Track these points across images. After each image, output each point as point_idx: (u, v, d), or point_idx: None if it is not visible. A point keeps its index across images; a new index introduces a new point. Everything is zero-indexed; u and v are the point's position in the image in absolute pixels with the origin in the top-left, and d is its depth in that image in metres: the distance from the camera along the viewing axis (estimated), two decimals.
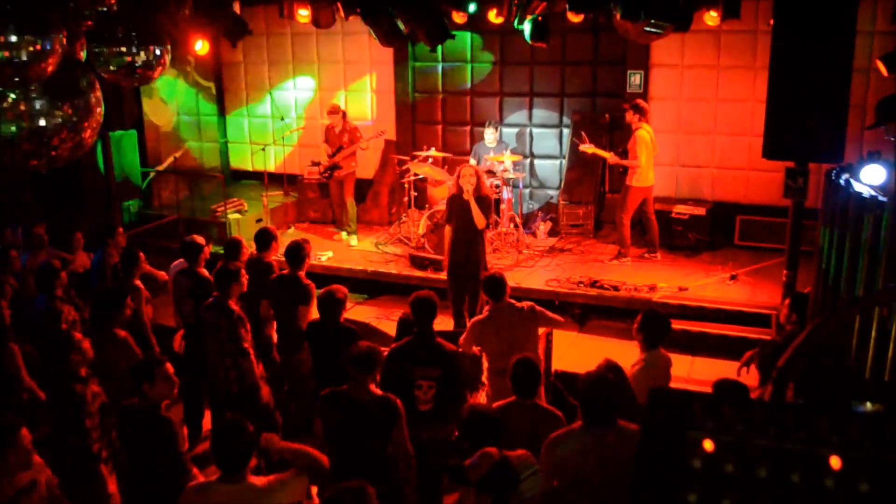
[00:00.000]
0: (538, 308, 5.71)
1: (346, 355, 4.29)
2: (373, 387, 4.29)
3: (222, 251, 6.94)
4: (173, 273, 6.69)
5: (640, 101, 8.96)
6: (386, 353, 5.09)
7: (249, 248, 6.72)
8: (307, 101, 11.99)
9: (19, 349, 5.58)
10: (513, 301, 5.68)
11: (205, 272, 6.48)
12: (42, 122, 6.31)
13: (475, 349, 5.97)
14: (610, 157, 9.09)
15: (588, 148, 9.12)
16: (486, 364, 6.24)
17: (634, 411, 4.00)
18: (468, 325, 5.90)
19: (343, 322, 5.47)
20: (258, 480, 3.57)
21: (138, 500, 4.48)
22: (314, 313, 5.87)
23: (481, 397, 5.98)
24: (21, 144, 6.31)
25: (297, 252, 6.15)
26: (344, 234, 10.22)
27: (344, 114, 10.13)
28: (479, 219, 7.16)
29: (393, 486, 4.23)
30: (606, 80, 10.42)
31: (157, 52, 7.21)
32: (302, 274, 6.12)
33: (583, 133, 9.37)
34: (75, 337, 5.24)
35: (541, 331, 5.88)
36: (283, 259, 6.27)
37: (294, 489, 3.59)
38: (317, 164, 11.02)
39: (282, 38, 11.88)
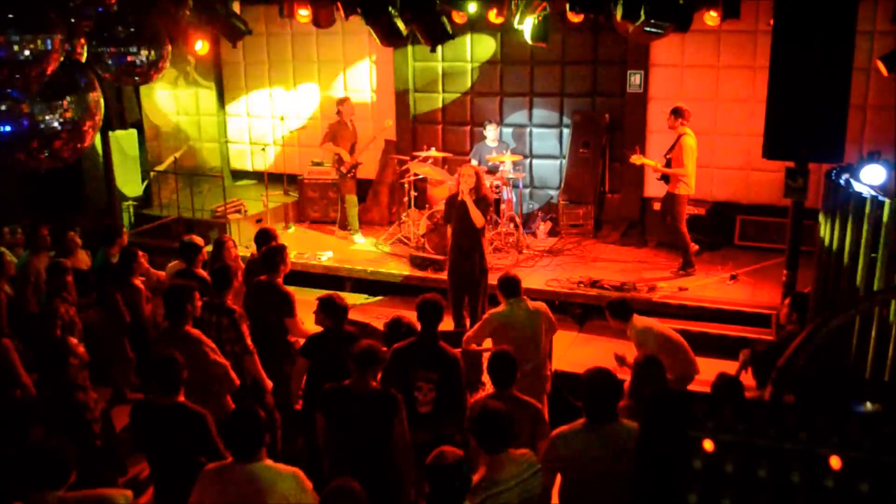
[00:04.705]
0: (549, 312, 5.81)
1: (349, 352, 4.37)
2: (373, 382, 4.39)
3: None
4: (170, 273, 6.69)
5: (681, 105, 8.63)
6: (388, 353, 5.10)
7: (249, 248, 6.72)
8: (307, 100, 11.98)
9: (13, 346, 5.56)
10: (526, 299, 5.74)
11: (202, 273, 6.48)
12: (42, 123, 6.30)
13: (474, 346, 5.97)
14: (654, 165, 8.76)
15: (637, 159, 8.79)
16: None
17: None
18: (483, 317, 5.90)
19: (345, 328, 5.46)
20: (273, 463, 3.74)
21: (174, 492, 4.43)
22: (306, 322, 5.84)
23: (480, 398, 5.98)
24: (21, 144, 6.31)
25: (273, 258, 6.06)
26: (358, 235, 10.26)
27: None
28: (476, 218, 7.15)
29: (392, 479, 4.28)
30: (606, 80, 10.41)
31: (157, 52, 7.21)
32: (280, 281, 6.05)
33: (637, 146, 9.08)
34: (71, 342, 5.23)
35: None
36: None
37: (303, 484, 3.70)
38: (318, 164, 11.01)
39: (282, 37, 11.88)
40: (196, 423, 4.23)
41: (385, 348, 4.83)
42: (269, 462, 3.72)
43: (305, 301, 8.38)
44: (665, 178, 8.73)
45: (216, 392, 5.04)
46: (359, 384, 4.35)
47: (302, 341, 6.24)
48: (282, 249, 6.18)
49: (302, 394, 5.43)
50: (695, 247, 8.96)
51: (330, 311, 5.34)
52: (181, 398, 4.34)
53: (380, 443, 4.28)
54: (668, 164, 8.62)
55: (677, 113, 8.58)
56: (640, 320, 5.76)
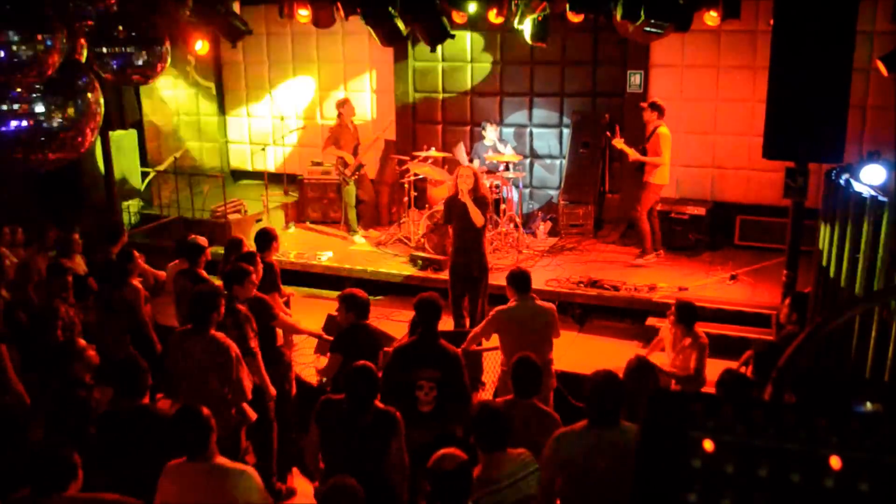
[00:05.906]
0: (556, 314, 5.84)
1: (349, 372, 4.27)
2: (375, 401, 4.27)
3: (222, 251, 6.93)
4: (172, 273, 6.68)
5: (658, 101, 8.86)
6: (389, 353, 5.10)
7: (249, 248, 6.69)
8: (307, 100, 11.98)
9: (7, 352, 5.51)
10: (535, 297, 5.76)
11: (204, 273, 6.47)
12: (42, 122, 6.30)
13: (474, 347, 5.97)
14: (632, 152, 8.90)
15: (618, 143, 8.97)
16: (491, 363, 6.24)
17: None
18: (489, 313, 5.90)
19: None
20: (225, 461, 3.75)
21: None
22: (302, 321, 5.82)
23: (481, 397, 5.98)
24: (21, 144, 6.31)
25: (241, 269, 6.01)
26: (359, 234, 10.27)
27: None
28: (476, 217, 7.15)
29: (386, 495, 4.23)
30: (606, 80, 10.41)
31: (158, 52, 7.21)
32: (252, 293, 5.97)
33: (617, 126, 9.25)
34: (80, 344, 5.21)
35: None
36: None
37: (254, 482, 3.70)
38: (318, 164, 11.00)
39: (282, 37, 11.88)
40: (162, 426, 4.14)
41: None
42: (220, 460, 3.73)
43: (305, 301, 8.43)
44: (640, 169, 8.90)
45: (227, 402, 5.00)
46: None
47: (298, 339, 6.25)
48: (250, 265, 5.91)
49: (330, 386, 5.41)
50: (635, 249, 9.25)
51: (351, 305, 5.35)
52: (145, 401, 4.32)
53: (374, 461, 4.17)
54: (644, 153, 8.85)
55: (655, 107, 8.77)
56: (703, 333, 5.77)
